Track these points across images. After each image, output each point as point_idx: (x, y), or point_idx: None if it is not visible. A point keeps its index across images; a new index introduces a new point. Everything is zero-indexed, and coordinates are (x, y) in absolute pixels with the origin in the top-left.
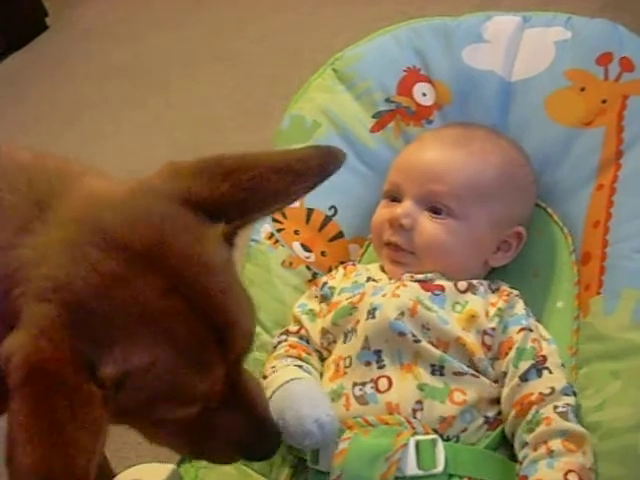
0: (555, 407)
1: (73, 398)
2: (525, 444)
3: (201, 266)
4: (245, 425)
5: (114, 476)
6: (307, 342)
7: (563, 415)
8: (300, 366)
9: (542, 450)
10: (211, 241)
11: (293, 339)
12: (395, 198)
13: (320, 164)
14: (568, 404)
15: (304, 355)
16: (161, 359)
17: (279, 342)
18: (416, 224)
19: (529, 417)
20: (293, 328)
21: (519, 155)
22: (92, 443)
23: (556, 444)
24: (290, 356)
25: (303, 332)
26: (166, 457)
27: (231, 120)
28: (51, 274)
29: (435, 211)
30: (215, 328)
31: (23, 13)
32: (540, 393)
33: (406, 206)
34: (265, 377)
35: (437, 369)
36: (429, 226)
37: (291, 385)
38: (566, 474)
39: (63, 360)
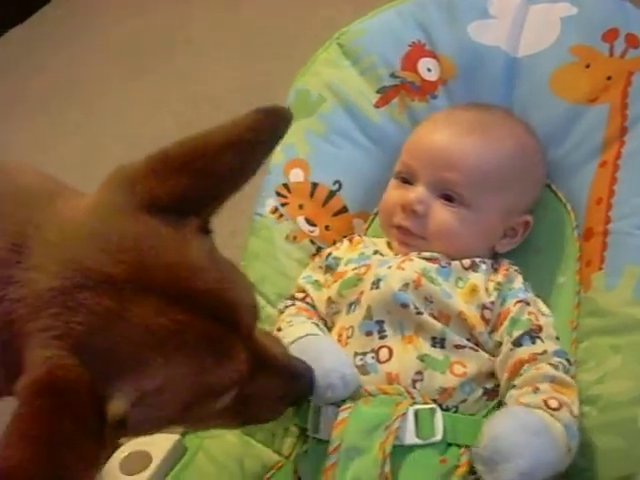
0: (548, 363)
1: (78, 425)
2: (512, 387)
3: (187, 269)
4: (278, 380)
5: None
6: (314, 308)
7: (555, 367)
8: (316, 324)
9: (527, 388)
10: (188, 239)
11: (301, 304)
12: (407, 180)
13: (271, 128)
14: (560, 362)
15: (314, 319)
16: (176, 372)
17: (286, 306)
18: (429, 210)
19: (521, 373)
20: (299, 295)
21: (534, 142)
22: (81, 471)
23: (543, 385)
24: (301, 315)
25: (309, 300)
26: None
27: (233, 95)
28: (49, 325)
29: (448, 198)
30: (222, 319)
31: None
32: (533, 353)
33: (419, 192)
34: (279, 329)
35: (438, 341)
36: (442, 213)
37: (312, 339)
38: (546, 400)
39: (76, 384)
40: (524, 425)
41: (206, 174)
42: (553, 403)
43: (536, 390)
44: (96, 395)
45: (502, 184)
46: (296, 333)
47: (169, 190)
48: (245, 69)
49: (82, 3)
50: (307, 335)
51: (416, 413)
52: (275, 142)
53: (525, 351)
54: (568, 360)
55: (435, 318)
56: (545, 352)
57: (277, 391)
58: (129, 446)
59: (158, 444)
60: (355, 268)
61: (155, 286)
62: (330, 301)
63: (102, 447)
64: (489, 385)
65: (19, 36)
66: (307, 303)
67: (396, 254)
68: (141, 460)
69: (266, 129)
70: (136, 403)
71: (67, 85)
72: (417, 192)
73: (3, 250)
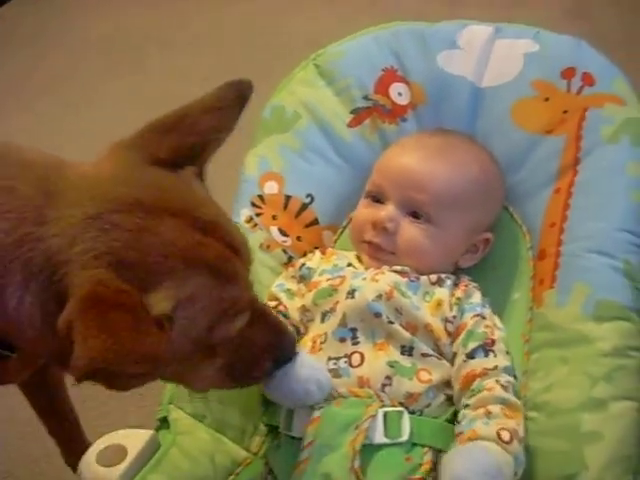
0: (497, 380)
1: (133, 316)
2: (466, 406)
3: (199, 201)
4: (267, 331)
5: (89, 445)
6: (285, 317)
7: (505, 388)
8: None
9: (480, 411)
10: (190, 181)
11: None
12: (377, 199)
13: (237, 96)
14: (508, 381)
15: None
16: (202, 284)
17: None
18: (398, 228)
19: (472, 387)
20: (272, 303)
21: (494, 166)
22: (149, 351)
23: (495, 408)
24: None
25: (281, 308)
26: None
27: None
28: (88, 247)
29: (415, 216)
30: (230, 245)
31: None
32: (484, 368)
33: (389, 210)
34: None
35: (407, 350)
36: (410, 230)
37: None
38: (499, 430)
39: (117, 295)
40: (481, 468)
41: (192, 131)
42: (505, 436)
43: (488, 414)
44: (138, 301)
45: (466, 204)
46: None
47: (165, 147)
48: (220, 74)
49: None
50: None
51: (385, 415)
52: (241, 105)
53: (477, 364)
54: (515, 376)
55: (404, 328)
56: (496, 367)
57: (266, 342)
58: (106, 440)
59: (134, 438)
60: (329, 279)
61: (176, 211)
62: (304, 309)
63: (159, 339)
64: (450, 392)
65: None
66: (279, 312)
67: (366, 268)
68: (117, 453)
69: (233, 97)
70: (177, 307)
71: (39, 79)
72: (387, 210)
73: (34, 196)
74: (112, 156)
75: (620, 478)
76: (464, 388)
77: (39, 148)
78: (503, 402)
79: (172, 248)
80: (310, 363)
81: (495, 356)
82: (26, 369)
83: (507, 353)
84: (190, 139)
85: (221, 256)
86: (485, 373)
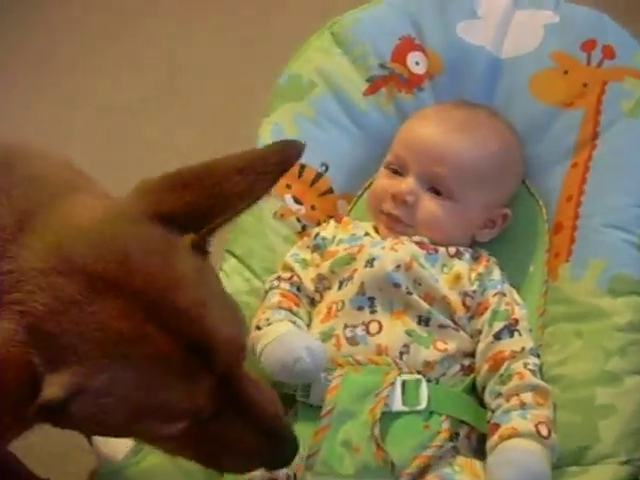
0: (525, 364)
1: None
2: (498, 394)
3: (168, 282)
4: (255, 435)
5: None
6: (298, 289)
7: (533, 372)
8: (294, 322)
9: (514, 402)
10: (179, 254)
11: (285, 286)
12: (397, 171)
13: (279, 160)
14: (535, 364)
15: (294, 308)
16: (121, 380)
17: (271, 288)
18: (418, 201)
19: (501, 371)
20: (285, 275)
21: (515, 140)
22: None
23: (527, 397)
24: (282, 308)
25: (295, 279)
26: None
27: (212, 64)
28: (20, 299)
29: (436, 191)
30: (191, 342)
31: None
32: (512, 350)
33: (410, 183)
34: (259, 328)
35: (424, 320)
36: (430, 205)
37: (284, 334)
38: (537, 425)
39: (15, 359)
40: (530, 477)
41: (211, 193)
42: (544, 431)
43: (523, 405)
44: (33, 376)
45: (487, 181)
46: (272, 335)
47: (173, 202)
48: (227, 40)
49: None
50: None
51: (403, 383)
52: (282, 172)
53: (505, 345)
54: (538, 355)
55: (422, 299)
56: (523, 350)
57: (251, 446)
58: None
59: None
60: (347, 248)
61: (130, 290)
62: (321, 277)
63: (19, 423)
64: (466, 362)
65: None
66: (292, 284)
67: (383, 238)
68: None
69: (275, 160)
70: (76, 396)
71: (39, 45)
72: (408, 183)
73: (8, 226)
74: (118, 201)
75: (632, 451)
76: (493, 370)
77: (51, 154)
78: (534, 389)
79: (97, 333)
80: (302, 334)
81: (520, 335)
82: None
83: (530, 331)
84: (205, 201)
85: (166, 355)
86: (513, 356)
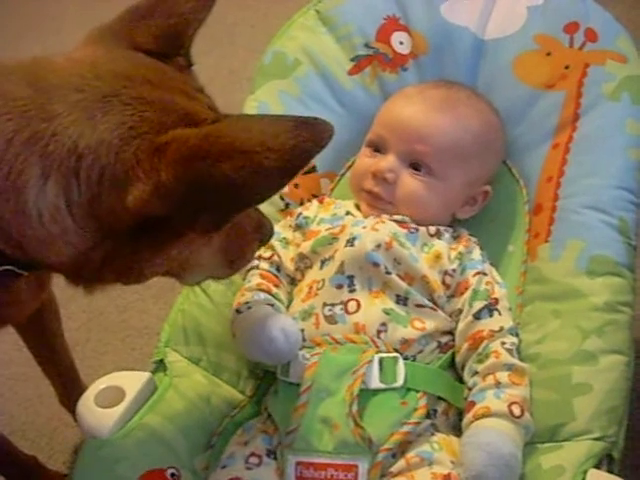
0: (502, 343)
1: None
2: (475, 373)
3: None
4: (252, 216)
5: (84, 387)
6: (277, 269)
7: (509, 351)
8: (272, 304)
9: (490, 380)
10: (184, 71)
11: (264, 265)
12: (378, 149)
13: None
14: (513, 343)
15: (274, 290)
16: None
17: (251, 267)
18: (398, 179)
19: (480, 349)
20: (266, 254)
21: (496, 119)
22: None
23: (503, 376)
24: (261, 290)
25: (275, 258)
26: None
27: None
28: (117, 122)
29: (416, 168)
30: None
31: None
32: (491, 330)
33: (390, 161)
34: (239, 311)
35: (402, 299)
36: (410, 182)
37: (261, 318)
38: (510, 405)
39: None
40: (502, 461)
41: (171, 14)
42: (516, 411)
43: (498, 384)
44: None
45: (467, 157)
46: (251, 320)
47: (146, 33)
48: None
49: None
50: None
51: (381, 361)
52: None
53: (484, 325)
54: (517, 334)
55: (401, 278)
56: (501, 329)
57: (252, 224)
58: (104, 381)
59: (131, 380)
60: (329, 228)
61: (179, 92)
62: (302, 256)
63: None
64: (443, 340)
65: None
66: (271, 263)
67: (365, 216)
68: (115, 395)
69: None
70: None
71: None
72: (388, 161)
73: (29, 95)
74: (93, 43)
75: (606, 428)
76: (472, 349)
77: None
78: (509, 368)
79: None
80: (277, 315)
81: (500, 314)
82: (34, 298)
83: (510, 310)
84: (171, 21)
85: None
86: (491, 335)
